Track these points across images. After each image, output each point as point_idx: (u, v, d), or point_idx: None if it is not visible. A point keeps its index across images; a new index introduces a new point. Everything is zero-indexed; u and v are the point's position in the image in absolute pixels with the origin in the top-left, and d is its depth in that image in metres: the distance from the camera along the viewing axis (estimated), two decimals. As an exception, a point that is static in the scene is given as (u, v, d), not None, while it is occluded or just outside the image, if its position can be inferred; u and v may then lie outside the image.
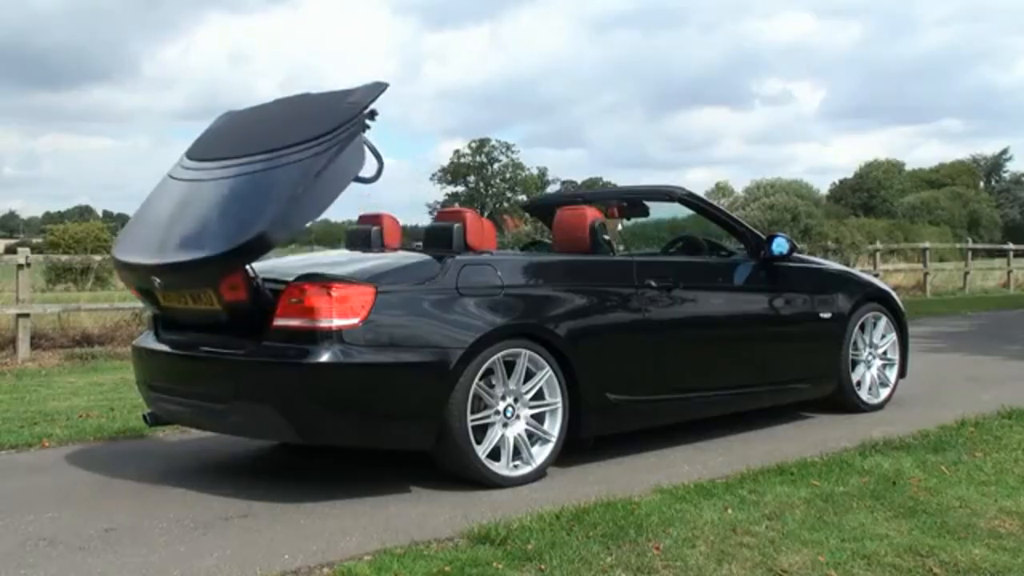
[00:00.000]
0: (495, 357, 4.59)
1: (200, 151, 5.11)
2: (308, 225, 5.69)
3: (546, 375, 4.76)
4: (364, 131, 4.60)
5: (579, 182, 72.11)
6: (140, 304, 9.16)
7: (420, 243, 5.57)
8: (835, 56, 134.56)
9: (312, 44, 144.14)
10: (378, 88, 4.73)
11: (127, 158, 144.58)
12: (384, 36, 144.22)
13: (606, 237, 5.42)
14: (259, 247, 4.33)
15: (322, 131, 4.52)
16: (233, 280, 4.40)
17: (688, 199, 5.85)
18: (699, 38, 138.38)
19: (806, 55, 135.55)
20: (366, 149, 4.63)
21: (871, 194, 69.07)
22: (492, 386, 4.64)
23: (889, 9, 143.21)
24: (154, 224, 4.87)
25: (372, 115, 4.63)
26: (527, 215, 9.26)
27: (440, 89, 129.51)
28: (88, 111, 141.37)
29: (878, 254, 20.60)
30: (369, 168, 4.68)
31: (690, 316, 5.51)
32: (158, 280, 4.62)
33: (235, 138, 5.08)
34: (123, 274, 5.04)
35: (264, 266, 4.70)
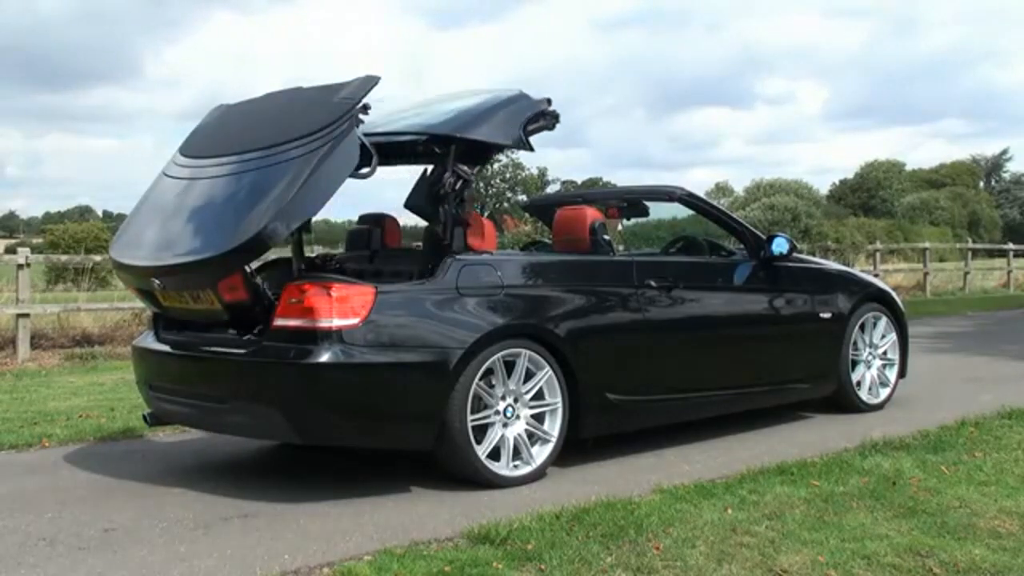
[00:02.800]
0: (495, 357, 4.59)
1: (194, 148, 5.06)
2: None
3: (546, 375, 4.76)
4: (358, 126, 4.58)
5: (579, 182, 72.05)
6: (140, 304, 9.16)
7: (420, 243, 5.58)
8: (838, 57, 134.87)
9: (318, 44, 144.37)
10: (370, 82, 4.69)
11: (130, 158, 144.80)
12: (389, 36, 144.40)
13: (606, 237, 5.42)
14: (256, 247, 4.33)
15: (316, 127, 4.49)
16: (232, 281, 4.40)
17: (688, 199, 5.85)
18: (703, 39, 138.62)
19: (809, 55, 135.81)
20: (360, 144, 4.62)
21: (871, 194, 68.99)
22: (492, 386, 4.64)
23: (893, 10, 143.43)
24: (151, 224, 4.86)
25: (365, 109, 4.61)
26: (527, 215, 9.26)
27: (444, 90, 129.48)
28: (91, 111, 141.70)
29: (878, 254, 20.60)
30: (364, 164, 4.69)
31: (690, 316, 5.50)
32: (157, 282, 4.62)
33: (229, 134, 5.05)
34: (122, 275, 5.04)
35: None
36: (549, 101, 5.07)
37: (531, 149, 5.02)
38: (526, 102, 5.01)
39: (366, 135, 4.70)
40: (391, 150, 4.98)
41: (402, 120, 5.21)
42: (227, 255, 4.28)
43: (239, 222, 4.34)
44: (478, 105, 4.98)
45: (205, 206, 4.68)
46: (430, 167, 4.96)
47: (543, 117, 5.06)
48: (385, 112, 5.24)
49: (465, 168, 4.77)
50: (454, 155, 4.76)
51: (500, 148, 5.06)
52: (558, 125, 5.14)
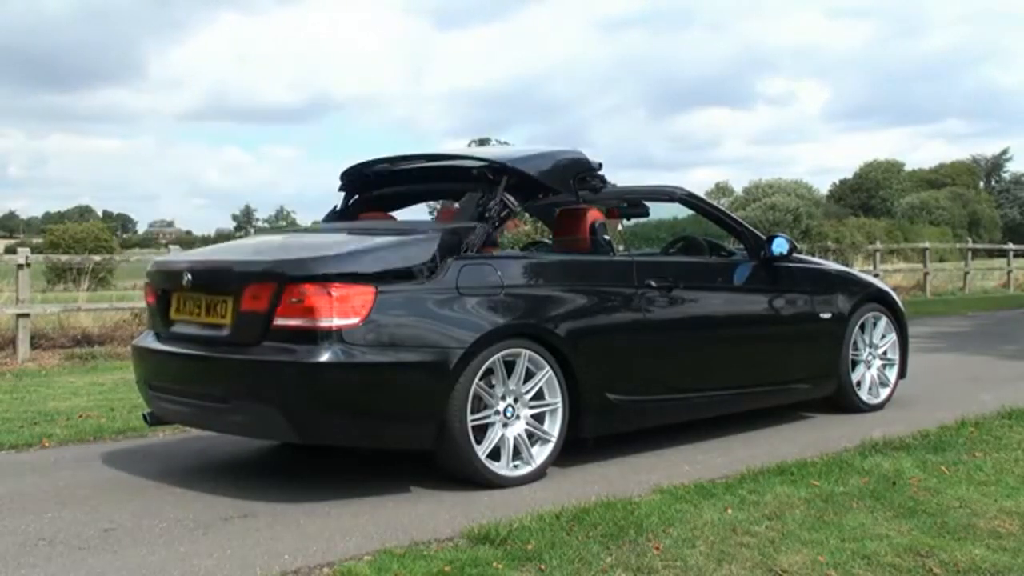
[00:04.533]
0: (495, 357, 4.59)
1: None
2: None
3: (546, 375, 4.76)
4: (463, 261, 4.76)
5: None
6: (140, 303, 9.16)
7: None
8: (840, 57, 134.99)
9: (320, 44, 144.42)
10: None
11: (133, 159, 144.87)
12: (392, 37, 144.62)
13: (606, 237, 5.42)
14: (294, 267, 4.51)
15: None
16: (259, 290, 4.42)
17: (688, 199, 5.84)
18: (705, 39, 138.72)
19: (811, 55, 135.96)
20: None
21: (871, 194, 69.02)
22: (492, 386, 4.64)
23: (895, 10, 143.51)
24: (214, 248, 5.44)
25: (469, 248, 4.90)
26: (527, 215, 9.27)
27: (445, 90, 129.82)
28: (95, 112, 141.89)
29: (878, 254, 20.61)
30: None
31: (690, 316, 5.50)
32: (189, 276, 4.77)
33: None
34: (154, 277, 5.15)
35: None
36: (600, 166, 5.51)
37: (578, 199, 5.45)
38: (581, 159, 5.44)
39: (428, 156, 5.35)
40: (448, 173, 5.46)
41: (466, 152, 5.89)
42: (269, 265, 4.54)
43: (292, 252, 4.71)
44: (537, 151, 5.47)
45: (274, 244, 5.14)
46: (479, 193, 5.20)
47: (593, 177, 5.46)
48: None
49: (512, 199, 5.04)
50: (505, 185, 5.04)
51: (547, 189, 5.33)
52: (602, 175, 5.53)
